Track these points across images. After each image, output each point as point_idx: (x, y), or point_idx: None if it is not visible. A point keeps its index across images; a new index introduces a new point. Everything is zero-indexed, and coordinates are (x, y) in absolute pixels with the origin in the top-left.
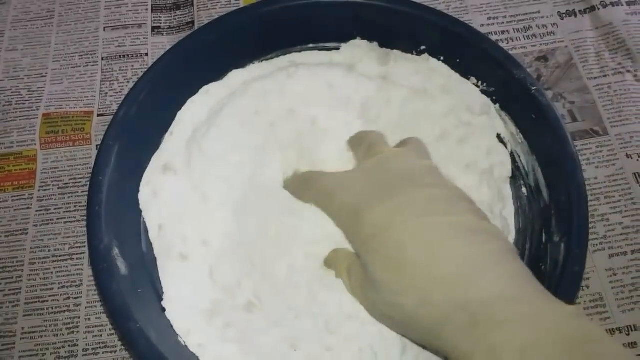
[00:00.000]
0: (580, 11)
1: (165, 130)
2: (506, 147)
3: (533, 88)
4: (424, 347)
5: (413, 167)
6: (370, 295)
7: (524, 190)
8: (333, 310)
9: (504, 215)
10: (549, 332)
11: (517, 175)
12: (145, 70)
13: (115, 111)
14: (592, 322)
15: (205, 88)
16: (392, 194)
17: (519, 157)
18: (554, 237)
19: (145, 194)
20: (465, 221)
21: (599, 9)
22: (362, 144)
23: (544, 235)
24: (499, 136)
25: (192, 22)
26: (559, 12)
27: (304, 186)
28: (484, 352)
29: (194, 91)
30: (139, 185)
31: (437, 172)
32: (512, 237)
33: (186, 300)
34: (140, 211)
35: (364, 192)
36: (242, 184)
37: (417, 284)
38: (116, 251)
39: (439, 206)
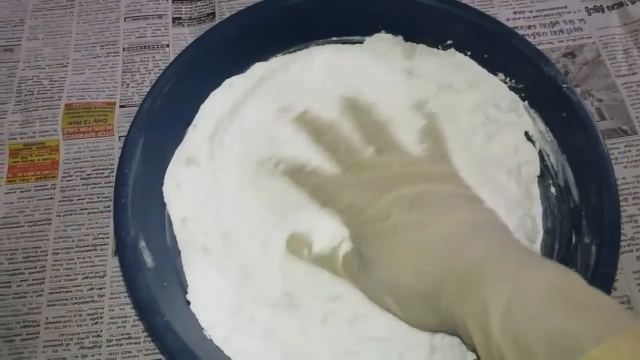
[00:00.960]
0: (608, 7)
1: (189, 123)
2: (534, 145)
3: (564, 85)
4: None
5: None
6: (368, 279)
7: (552, 189)
8: (360, 310)
9: (532, 214)
10: (532, 284)
11: (545, 175)
12: (168, 62)
13: (137, 102)
14: (574, 273)
15: (228, 81)
16: (391, 190)
17: (548, 155)
18: (584, 239)
19: (169, 187)
20: (452, 195)
21: (627, 4)
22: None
23: (573, 236)
24: (526, 134)
25: (213, 14)
26: (586, 7)
27: (315, 193)
28: (473, 309)
29: (217, 84)
30: (163, 178)
31: (454, 176)
32: (540, 237)
33: (210, 294)
34: (164, 204)
35: (367, 191)
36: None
37: (410, 260)
38: (142, 244)
39: (433, 195)
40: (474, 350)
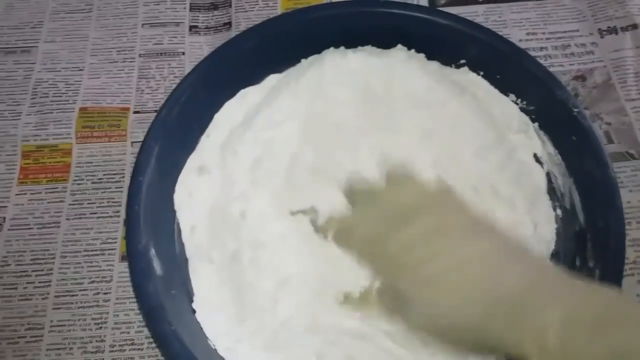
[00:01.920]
0: (622, 28)
1: (202, 132)
2: (542, 167)
3: (575, 110)
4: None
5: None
6: (405, 312)
7: (558, 211)
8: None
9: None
10: (583, 307)
11: (552, 197)
12: (183, 69)
13: (151, 109)
14: (621, 293)
15: (243, 91)
16: (411, 221)
17: (556, 178)
18: (588, 262)
19: (181, 195)
20: (472, 222)
21: None
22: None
23: (577, 259)
24: (535, 155)
25: (229, 23)
26: (599, 29)
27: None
28: (533, 333)
29: (232, 94)
30: (174, 186)
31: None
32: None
33: (215, 303)
34: (175, 212)
35: (384, 222)
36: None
37: (451, 294)
38: (152, 251)
39: (454, 223)
40: None
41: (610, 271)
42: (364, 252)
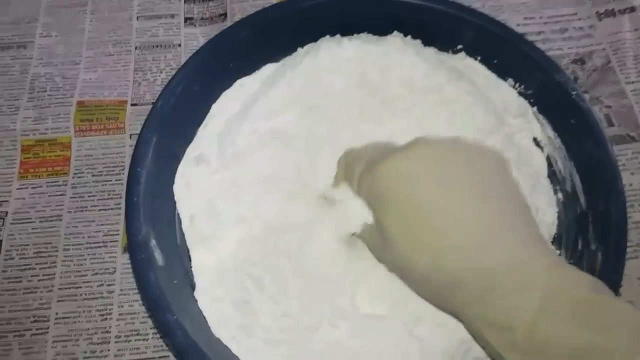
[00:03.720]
0: (619, 10)
1: (200, 123)
2: (542, 151)
3: (573, 92)
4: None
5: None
6: (385, 251)
7: (559, 195)
8: (363, 312)
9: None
10: (560, 296)
11: (553, 180)
12: (179, 61)
13: (148, 101)
14: (602, 285)
15: (239, 82)
16: (407, 149)
17: (556, 161)
18: (590, 245)
19: (180, 186)
20: (480, 183)
21: (638, 10)
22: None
23: (579, 242)
24: (535, 140)
25: (225, 14)
26: (597, 12)
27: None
28: (499, 315)
29: (228, 84)
30: (173, 177)
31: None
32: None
33: (216, 293)
34: (175, 202)
35: (382, 153)
36: (273, 178)
37: (429, 246)
38: (153, 242)
39: (453, 170)
40: (482, 346)
41: (612, 253)
42: (362, 179)
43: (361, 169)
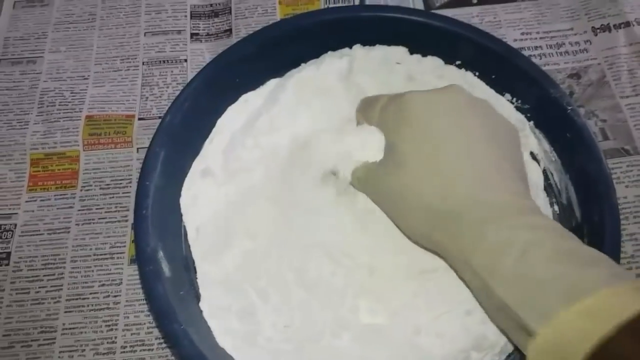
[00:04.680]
0: (615, 25)
1: (206, 137)
2: (539, 164)
3: (569, 108)
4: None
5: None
6: (387, 179)
7: (555, 207)
8: (365, 321)
9: None
10: (548, 238)
11: (549, 193)
12: (186, 76)
13: (155, 115)
14: (573, 236)
15: (244, 97)
16: (443, 88)
17: (552, 175)
18: None
19: (186, 199)
20: (494, 135)
21: (633, 25)
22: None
23: None
24: (532, 153)
25: (230, 30)
26: (592, 27)
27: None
28: (494, 245)
29: (233, 99)
30: (180, 190)
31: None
32: None
33: (221, 303)
34: (181, 215)
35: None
36: (277, 191)
37: (441, 172)
38: (161, 253)
39: (478, 117)
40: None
41: None
42: (388, 105)
43: (384, 101)
